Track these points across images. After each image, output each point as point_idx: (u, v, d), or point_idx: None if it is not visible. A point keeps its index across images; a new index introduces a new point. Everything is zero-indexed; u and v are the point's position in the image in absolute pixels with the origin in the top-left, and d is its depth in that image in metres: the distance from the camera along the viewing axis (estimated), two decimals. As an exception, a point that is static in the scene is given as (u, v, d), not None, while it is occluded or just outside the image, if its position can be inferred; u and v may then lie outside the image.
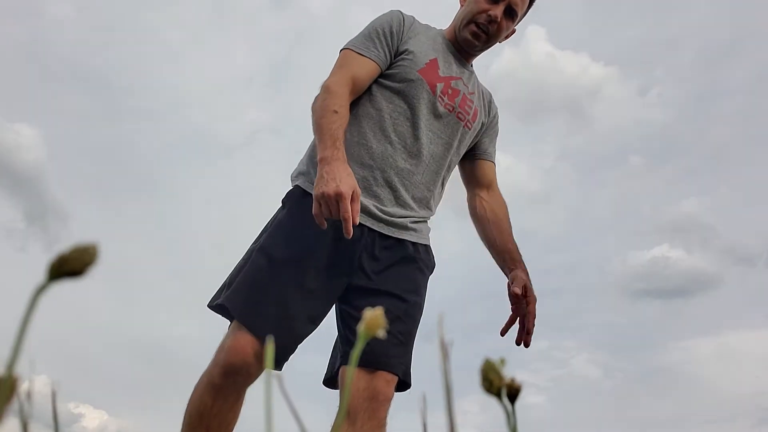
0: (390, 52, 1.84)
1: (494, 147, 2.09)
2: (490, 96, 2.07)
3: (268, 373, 0.36)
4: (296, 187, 1.81)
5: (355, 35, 1.88)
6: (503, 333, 1.86)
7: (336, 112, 1.69)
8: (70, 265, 0.31)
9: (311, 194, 1.60)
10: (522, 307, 1.82)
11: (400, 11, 1.91)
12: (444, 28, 2.01)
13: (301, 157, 1.92)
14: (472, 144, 2.01)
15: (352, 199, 1.52)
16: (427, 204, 1.85)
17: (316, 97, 1.76)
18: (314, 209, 1.54)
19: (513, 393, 0.41)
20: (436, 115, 1.83)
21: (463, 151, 1.97)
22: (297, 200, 1.76)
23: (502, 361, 0.42)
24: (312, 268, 1.65)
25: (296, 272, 1.63)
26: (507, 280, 1.85)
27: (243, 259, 1.74)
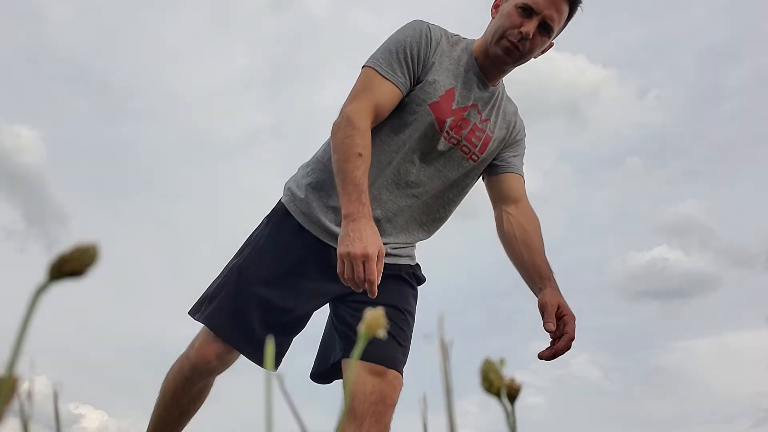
0: (413, 78, 1.73)
1: (520, 161, 1.95)
2: (515, 112, 1.94)
3: (268, 373, 0.36)
4: (280, 205, 1.84)
5: (380, 48, 1.73)
6: (542, 357, 1.67)
7: (360, 155, 1.58)
8: (71, 266, 0.31)
9: (292, 216, 1.78)
10: (560, 329, 1.65)
11: (428, 27, 1.76)
12: (475, 39, 1.85)
13: (301, 165, 1.90)
14: (494, 159, 1.90)
15: (378, 259, 1.48)
16: (413, 231, 1.84)
17: (338, 124, 1.65)
18: (338, 268, 1.49)
19: (513, 393, 0.41)
20: (439, 152, 1.76)
21: (472, 181, 1.88)
22: (278, 220, 1.81)
23: (502, 362, 0.42)
24: (291, 290, 1.75)
25: (275, 294, 1.73)
26: (536, 298, 1.71)
27: (223, 274, 1.82)
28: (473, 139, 1.80)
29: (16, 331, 0.31)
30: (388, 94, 1.69)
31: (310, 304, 1.78)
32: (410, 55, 1.71)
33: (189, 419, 1.89)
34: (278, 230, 1.79)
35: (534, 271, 1.76)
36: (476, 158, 1.81)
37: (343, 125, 1.63)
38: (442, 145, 1.75)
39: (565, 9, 1.74)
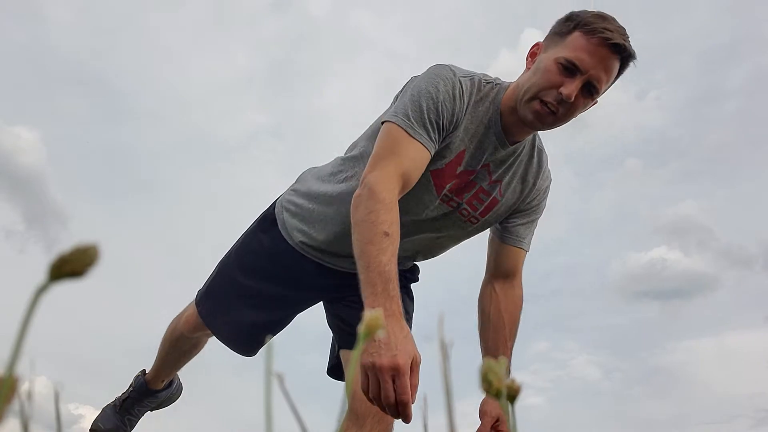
0: (440, 140, 1.51)
1: (528, 230, 1.75)
2: (538, 171, 1.69)
3: (268, 373, 0.36)
4: (275, 216, 1.82)
5: (406, 101, 1.48)
6: None
7: (387, 234, 1.31)
8: (71, 266, 0.31)
9: (284, 226, 1.77)
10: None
11: (461, 84, 1.51)
12: (509, 84, 1.59)
13: (304, 175, 1.86)
14: (502, 221, 1.74)
15: (412, 370, 1.22)
16: (408, 256, 1.79)
17: (359, 196, 1.38)
18: (362, 384, 1.24)
19: (512, 394, 0.41)
20: (434, 215, 1.63)
21: (478, 233, 1.74)
22: (269, 229, 1.82)
23: (504, 363, 0.42)
24: (275, 299, 1.81)
25: (260, 297, 1.81)
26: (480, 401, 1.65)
27: (217, 269, 1.93)
28: (474, 203, 1.64)
29: (16, 331, 0.31)
30: (418, 157, 1.45)
31: (295, 308, 1.87)
32: (442, 115, 1.48)
33: (189, 359, 2.14)
34: (271, 242, 1.81)
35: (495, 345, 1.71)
36: (476, 221, 1.67)
37: (365, 198, 1.36)
38: (439, 209, 1.61)
39: (616, 66, 1.48)
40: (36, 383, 0.42)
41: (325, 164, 1.82)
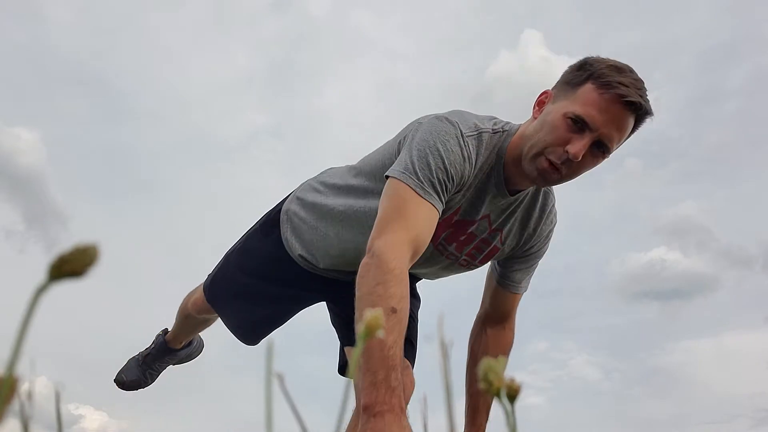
0: (445, 202, 1.41)
1: (526, 275, 1.69)
2: (541, 217, 1.61)
3: (268, 373, 0.36)
4: (279, 223, 1.79)
5: (413, 156, 1.37)
6: None
7: (395, 311, 1.19)
8: (71, 266, 0.31)
9: (286, 241, 1.76)
10: None
11: (467, 145, 1.40)
12: (516, 128, 1.48)
13: (307, 185, 1.79)
14: (502, 265, 1.69)
15: None
16: None
17: (367, 265, 1.26)
18: None
19: (512, 393, 0.41)
20: (431, 263, 1.60)
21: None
22: (271, 232, 1.82)
23: (504, 362, 0.42)
24: (276, 297, 1.84)
25: (260, 296, 1.85)
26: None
27: (222, 261, 1.96)
28: (474, 252, 1.59)
29: (16, 331, 0.31)
30: (429, 218, 1.34)
31: (296, 305, 1.90)
32: (452, 177, 1.38)
33: (205, 328, 2.24)
34: (276, 250, 1.80)
35: (472, 405, 1.68)
36: (476, 266, 1.63)
37: (373, 267, 1.24)
38: (435, 258, 1.57)
39: (630, 124, 1.37)
40: (36, 383, 0.42)
41: (328, 175, 1.75)
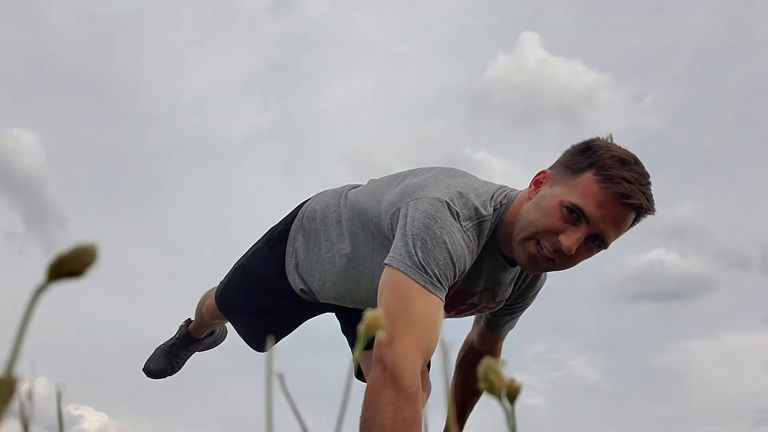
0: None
1: (514, 323, 1.72)
2: (534, 287, 1.62)
3: (268, 374, 0.36)
4: (285, 243, 1.75)
5: (416, 247, 1.26)
6: None
7: None
8: (70, 266, 0.31)
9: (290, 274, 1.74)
10: None
11: (468, 236, 1.32)
12: (517, 194, 1.42)
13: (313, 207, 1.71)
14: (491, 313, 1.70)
15: None
16: None
17: (379, 379, 1.18)
18: None
19: (512, 394, 0.41)
20: None
21: None
22: (277, 245, 1.80)
23: (502, 362, 0.42)
24: (281, 310, 1.84)
25: (266, 310, 1.85)
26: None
27: (232, 272, 1.96)
28: (473, 314, 1.62)
29: (15, 332, 0.30)
30: (438, 315, 1.27)
31: (303, 316, 1.90)
32: (457, 270, 1.30)
33: (223, 323, 2.28)
34: (272, 257, 1.80)
35: (461, 406, 1.79)
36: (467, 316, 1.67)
37: (387, 384, 1.16)
38: None
39: (629, 221, 1.30)
40: (36, 384, 0.42)
41: (334, 207, 1.66)
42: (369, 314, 0.39)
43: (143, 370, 2.31)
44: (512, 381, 0.41)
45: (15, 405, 0.33)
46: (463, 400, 1.81)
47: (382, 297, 1.28)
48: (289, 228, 1.74)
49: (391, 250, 1.31)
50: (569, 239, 1.26)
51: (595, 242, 1.31)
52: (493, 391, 0.40)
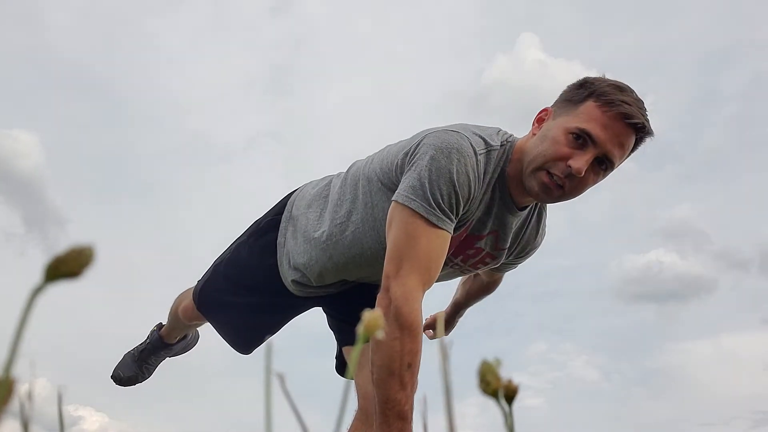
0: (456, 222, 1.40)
1: (516, 266, 1.77)
2: (535, 237, 1.65)
3: (267, 374, 0.36)
4: (267, 236, 1.76)
5: (423, 181, 1.32)
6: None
7: (410, 366, 1.27)
8: (67, 267, 0.31)
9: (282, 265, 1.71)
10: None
11: (479, 161, 1.37)
12: (518, 140, 1.47)
13: (301, 199, 1.73)
14: None
15: None
16: None
17: (384, 309, 1.27)
18: None
19: (510, 394, 0.41)
20: None
21: None
22: (263, 236, 1.79)
23: (499, 363, 0.42)
24: (266, 306, 1.80)
25: (250, 306, 1.81)
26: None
27: (211, 270, 1.92)
28: (479, 265, 1.61)
29: (14, 332, 0.31)
30: (442, 247, 1.35)
31: (289, 312, 1.86)
32: (463, 198, 1.35)
33: (201, 324, 2.17)
34: (257, 248, 1.79)
35: (465, 306, 1.99)
36: (475, 273, 1.73)
37: (391, 318, 1.27)
38: (442, 269, 1.53)
39: (632, 142, 1.36)
40: (35, 385, 0.42)
41: (321, 188, 1.71)
42: (368, 315, 0.39)
43: (112, 377, 2.22)
44: (510, 381, 0.41)
45: (14, 406, 0.33)
46: (466, 297, 1.96)
47: (390, 231, 1.36)
48: (276, 219, 1.74)
49: (399, 186, 1.37)
50: (578, 162, 1.31)
51: (602, 165, 1.36)
52: (491, 391, 0.40)
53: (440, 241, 1.34)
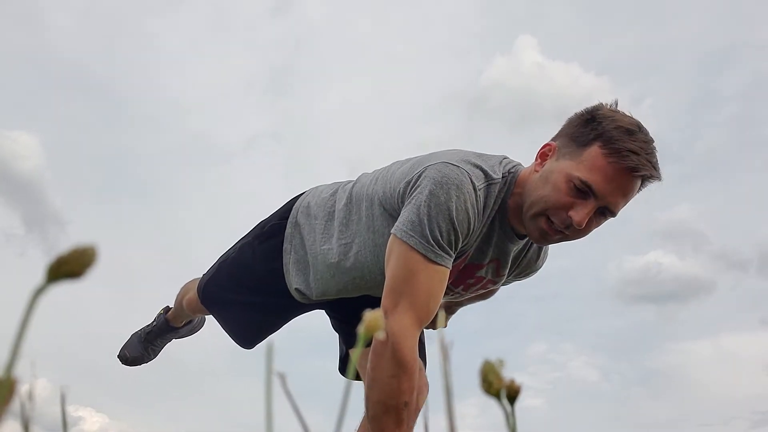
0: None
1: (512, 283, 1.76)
2: (534, 262, 1.63)
3: (268, 373, 0.36)
4: (273, 240, 1.74)
5: (422, 217, 1.30)
6: None
7: (406, 404, 1.27)
8: (69, 267, 0.31)
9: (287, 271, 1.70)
10: None
11: (478, 197, 1.34)
12: (521, 170, 1.43)
13: (307, 202, 1.70)
14: None
15: None
16: None
17: (382, 347, 1.28)
18: None
19: (512, 394, 0.41)
20: None
21: None
22: (268, 240, 1.77)
23: (501, 363, 0.42)
24: (269, 305, 1.79)
25: (253, 305, 1.80)
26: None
27: (216, 267, 1.91)
28: (481, 291, 1.61)
29: (15, 333, 0.30)
30: (440, 283, 1.33)
31: (292, 312, 1.85)
32: (462, 234, 1.33)
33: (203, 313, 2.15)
34: (260, 251, 1.77)
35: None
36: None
37: (388, 357, 1.27)
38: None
39: (636, 187, 1.32)
40: (36, 385, 0.42)
41: (327, 198, 1.68)
42: (368, 315, 0.39)
43: (118, 356, 2.24)
44: (512, 382, 0.41)
45: (15, 406, 0.33)
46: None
47: (389, 263, 1.34)
48: (282, 224, 1.73)
49: (398, 219, 1.36)
50: (579, 214, 1.28)
51: (604, 213, 1.33)
52: (493, 391, 0.40)
53: (439, 276, 1.32)
